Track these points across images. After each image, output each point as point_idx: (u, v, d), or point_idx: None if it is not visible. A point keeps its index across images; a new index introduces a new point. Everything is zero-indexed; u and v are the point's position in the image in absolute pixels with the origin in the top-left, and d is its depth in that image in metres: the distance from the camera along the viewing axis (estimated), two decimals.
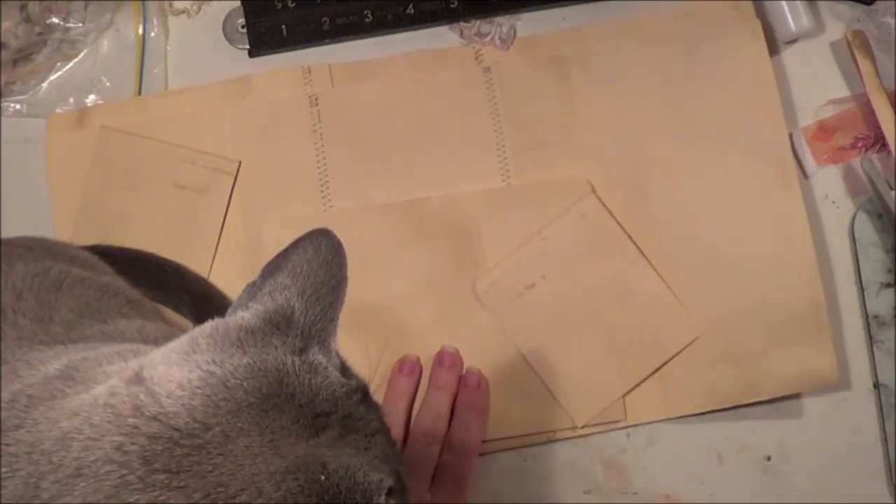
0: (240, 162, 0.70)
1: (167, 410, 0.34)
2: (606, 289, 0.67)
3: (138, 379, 0.35)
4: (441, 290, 0.68)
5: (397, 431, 0.63)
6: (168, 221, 0.70)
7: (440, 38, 0.73)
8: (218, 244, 0.70)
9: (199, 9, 0.74)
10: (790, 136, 0.69)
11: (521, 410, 0.66)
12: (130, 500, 0.32)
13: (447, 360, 0.65)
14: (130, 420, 0.33)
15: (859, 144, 0.70)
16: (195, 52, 0.74)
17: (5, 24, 0.70)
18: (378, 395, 0.40)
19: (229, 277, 0.69)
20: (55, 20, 0.71)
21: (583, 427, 0.66)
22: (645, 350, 0.67)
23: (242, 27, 0.73)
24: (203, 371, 0.35)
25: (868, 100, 0.68)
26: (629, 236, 0.68)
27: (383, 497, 0.35)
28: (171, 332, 0.46)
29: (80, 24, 0.72)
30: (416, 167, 0.70)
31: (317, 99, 0.71)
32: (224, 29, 0.73)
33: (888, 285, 0.67)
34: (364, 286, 0.63)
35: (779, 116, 0.69)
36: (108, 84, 0.73)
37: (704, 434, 0.67)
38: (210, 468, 0.33)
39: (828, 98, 0.71)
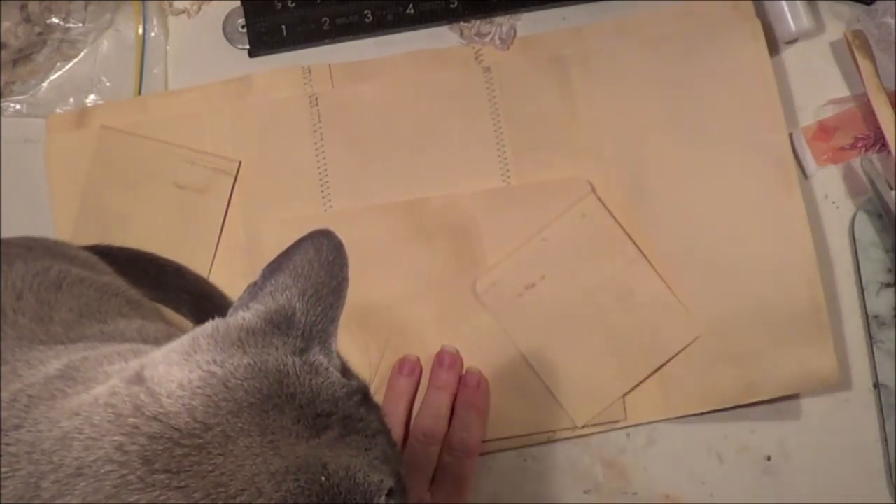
0: (240, 162, 0.70)
1: (167, 410, 0.34)
2: (606, 289, 0.67)
3: (139, 379, 0.35)
4: (441, 290, 0.68)
5: (397, 431, 0.63)
6: (168, 221, 0.70)
7: (440, 38, 0.73)
8: (218, 244, 0.70)
9: (199, 9, 0.74)
10: (790, 136, 0.69)
11: (521, 410, 0.66)
12: (131, 499, 0.32)
13: (447, 360, 0.65)
14: (131, 420, 0.33)
15: (859, 144, 0.70)
16: (195, 52, 0.74)
17: (5, 24, 0.70)
18: (378, 395, 0.40)
19: (229, 277, 0.69)
20: (55, 20, 0.71)
21: (583, 427, 0.66)
22: (645, 350, 0.67)
23: (242, 27, 0.73)
24: (204, 371, 0.35)
25: (868, 100, 0.68)
26: (629, 236, 0.68)
27: (383, 498, 0.35)
28: (171, 332, 0.46)
29: (80, 24, 0.72)
30: (416, 167, 0.70)
31: (317, 99, 0.71)
32: (224, 29, 0.73)
33: (888, 285, 0.67)
34: (364, 286, 0.63)
35: (779, 116, 0.69)
36: (108, 84, 0.73)
37: (704, 434, 0.67)
38: (210, 468, 0.33)
39: (828, 98, 0.71)
